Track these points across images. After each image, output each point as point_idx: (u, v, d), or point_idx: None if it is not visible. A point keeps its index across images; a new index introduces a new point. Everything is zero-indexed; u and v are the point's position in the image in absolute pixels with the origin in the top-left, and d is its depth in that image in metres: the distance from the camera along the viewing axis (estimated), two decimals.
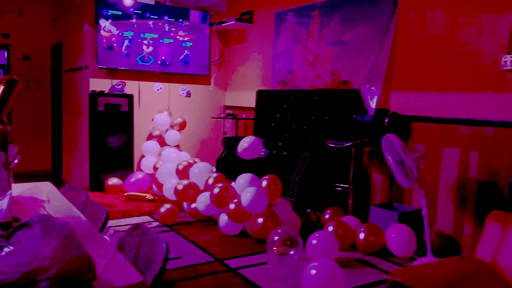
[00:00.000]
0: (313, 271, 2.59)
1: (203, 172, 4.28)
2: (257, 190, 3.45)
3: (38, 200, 2.27)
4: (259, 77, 5.90)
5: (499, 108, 3.26)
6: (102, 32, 5.43)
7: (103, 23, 5.42)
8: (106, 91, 5.47)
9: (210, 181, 4.10)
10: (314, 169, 4.08)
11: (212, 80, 6.44)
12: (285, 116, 5.12)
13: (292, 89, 5.22)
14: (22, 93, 7.32)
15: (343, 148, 4.04)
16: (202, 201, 3.96)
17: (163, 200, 4.84)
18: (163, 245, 1.82)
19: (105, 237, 1.99)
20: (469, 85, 3.47)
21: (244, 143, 4.67)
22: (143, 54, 5.74)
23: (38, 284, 1.19)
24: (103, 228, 2.22)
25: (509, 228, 2.32)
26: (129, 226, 2.11)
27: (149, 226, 4.01)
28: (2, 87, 2.21)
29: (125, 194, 4.96)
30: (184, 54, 6.08)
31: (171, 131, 5.77)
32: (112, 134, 5.45)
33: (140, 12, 5.69)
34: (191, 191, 4.14)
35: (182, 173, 4.41)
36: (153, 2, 5.86)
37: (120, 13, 5.54)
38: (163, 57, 5.92)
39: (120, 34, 5.56)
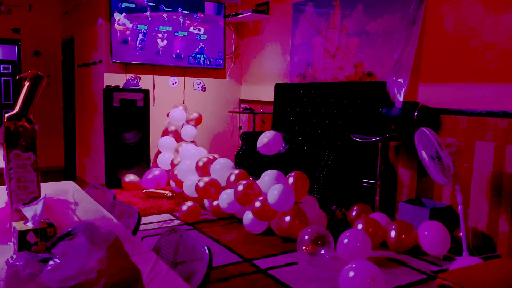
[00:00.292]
0: (351, 273, 2.48)
1: (224, 168, 4.17)
2: (284, 188, 3.33)
3: (67, 203, 2.16)
4: (276, 70, 5.76)
5: None
6: (116, 25, 5.31)
7: (117, 16, 5.30)
8: (121, 86, 5.35)
9: (232, 178, 3.99)
10: (339, 164, 3.96)
11: (227, 74, 6.31)
12: (305, 110, 4.98)
13: (312, 82, 5.08)
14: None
15: (369, 143, 3.91)
16: (225, 199, 3.86)
17: (182, 197, 4.75)
18: (205, 251, 1.71)
19: None
20: (504, 76, 3.32)
21: (264, 138, 4.56)
22: (158, 48, 5.62)
23: None
24: (135, 231, 2.12)
25: None
26: (161, 228, 2.00)
27: (171, 224, 3.91)
28: (28, 83, 2.11)
29: (144, 191, 4.86)
30: (199, 47, 5.94)
31: (187, 126, 5.66)
32: (128, 130, 5.34)
33: (154, 4, 5.56)
34: (213, 188, 4.03)
35: (203, 169, 4.30)
36: None
37: (134, 5, 5.41)
38: (178, 51, 5.79)
39: (134, 27, 5.43)
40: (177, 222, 4.00)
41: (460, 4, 3.61)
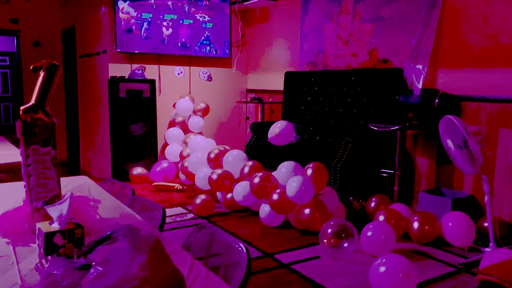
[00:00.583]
0: (382, 268, 2.37)
1: (237, 160, 4.05)
2: (303, 180, 3.22)
3: (87, 199, 2.04)
4: (285, 58, 5.62)
5: None
6: (120, 14, 5.14)
7: (121, 4, 5.13)
8: (126, 77, 5.21)
9: (246, 169, 3.87)
10: (356, 154, 3.84)
11: (234, 63, 6.16)
12: (317, 99, 4.86)
13: (324, 69, 4.95)
14: (34, 81, 7.07)
15: (387, 132, 3.80)
16: (239, 191, 3.74)
17: (192, 189, 4.63)
18: (243, 250, 1.60)
19: None
20: None
21: (276, 129, 4.44)
22: (163, 37, 5.46)
23: None
24: (161, 229, 2.00)
25: None
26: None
27: (184, 218, 3.80)
28: (42, 73, 1.97)
29: (153, 184, 4.74)
30: (205, 35, 5.79)
31: (194, 117, 5.53)
32: (134, 122, 5.20)
33: None
34: (226, 181, 3.91)
35: (214, 161, 4.18)
36: None
37: None
38: (183, 39, 5.63)
39: (138, 15, 5.27)
40: (190, 215, 3.89)
41: None
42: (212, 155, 4.21)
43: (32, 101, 1.87)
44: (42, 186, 1.79)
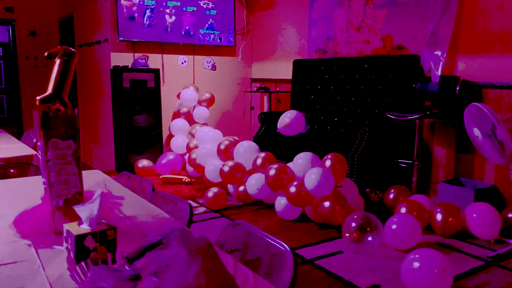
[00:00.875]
0: (416, 264, 2.26)
1: (248, 151, 3.91)
2: (323, 171, 3.09)
3: (109, 196, 1.90)
4: (291, 46, 5.46)
5: None
6: (122, 1, 4.95)
7: None
8: (130, 66, 5.03)
9: (259, 161, 3.74)
10: (373, 144, 3.72)
11: (239, 51, 5.99)
12: (327, 87, 4.72)
13: (334, 57, 4.81)
14: (31, 72, 6.88)
15: (405, 121, 3.68)
16: (253, 184, 3.61)
17: (201, 182, 4.50)
18: (287, 249, 1.47)
19: None
20: None
21: (286, 118, 4.32)
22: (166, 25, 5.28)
23: None
24: (188, 227, 1.87)
25: None
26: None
27: (196, 211, 3.67)
28: (58, 61, 1.81)
29: (160, 177, 4.60)
30: (209, 23, 5.61)
31: (199, 108, 5.37)
32: (139, 113, 5.04)
33: None
34: (238, 173, 3.78)
35: (225, 153, 4.04)
36: None
37: None
38: (187, 27, 5.46)
39: (141, 2, 5.08)
40: (202, 209, 3.76)
41: None
42: (222, 147, 4.07)
43: (49, 91, 1.73)
44: (63, 182, 1.64)
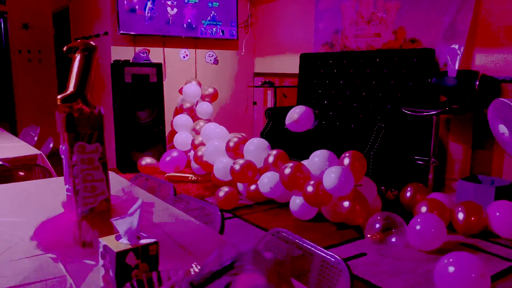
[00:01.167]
0: (451, 268, 2.16)
1: (259, 149, 3.78)
2: (343, 170, 2.98)
3: (135, 203, 1.76)
4: (297, 40, 5.32)
5: None
6: None
7: None
8: (131, 61, 4.85)
9: (271, 159, 3.62)
10: (389, 141, 3.61)
11: (243, 45, 5.84)
12: (336, 82, 4.60)
13: (342, 50, 4.68)
14: (24, 66, 6.65)
15: (421, 117, 3.57)
16: (266, 183, 3.49)
17: (209, 180, 4.36)
18: (342, 263, 1.35)
19: None
20: None
21: (294, 114, 4.19)
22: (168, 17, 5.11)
23: None
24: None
25: None
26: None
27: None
28: (79, 56, 1.66)
29: (165, 175, 4.45)
30: (211, 15, 5.44)
31: (203, 103, 5.22)
32: (141, 108, 4.87)
33: None
34: (250, 171, 3.65)
35: (234, 150, 3.91)
36: None
37: None
38: (189, 20, 5.29)
39: None
40: None
41: None
42: (231, 144, 3.93)
43: (71, 89, 1.58)
44: (89, 189, 1.50)
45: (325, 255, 1.42)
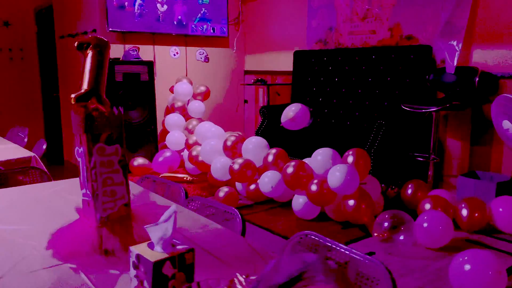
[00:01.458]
0: (467, 266, 2.14)
1: (258, 148, 3.72)
2: (349, 169, 2.94)
3: (154, 207, 1.67)
4: (289, 37, 5.27)
5: None
6: None
7: None
8: (121, 59, 4.72)
9: (270, 158, 3.56)
10: (389, 138, 3.60)
11: (234, 42, 5.75)
12: (331, 79, 4.57)
13: (337, 48, 4.65)
14: (4, 65, 6.42)
15: (419, 113, 3.57)
16: (267, 182, 3.43)
17: (204, 180, 4.28)
18: (380, 265, 1.31)
19: None
20: None
21: (290, 112, 4.15)
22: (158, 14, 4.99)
23: None
24: None
25: None
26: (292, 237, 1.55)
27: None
28: (91, 52, 1.56)
29: (160, 176, 4.34)
30: (201, 12, 5.34)
31: (194, 102, 5.12)
32: (132, 108, 4.74)
33: None
34: (249, 171, 3.59)
35: (232, 149, 3.83)
36: None
37: None
38: (179, 17, 5.18)
39: None
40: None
41: None
42: (229, 143, 3.86)
43: (84, 87, 1.48)
44: (109, 194, 1.41)
45: (362, 258, 1.37)
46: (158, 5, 5.00)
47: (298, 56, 4.89)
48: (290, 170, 3.21)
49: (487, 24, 3.50)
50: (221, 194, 3.49)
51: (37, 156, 2.91)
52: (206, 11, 5.37)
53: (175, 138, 4.85)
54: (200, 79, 5.47)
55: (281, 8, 5.32)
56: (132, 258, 1.13)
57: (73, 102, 1.44)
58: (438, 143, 3.86)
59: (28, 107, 6.64)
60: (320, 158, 3.21)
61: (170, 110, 5.17)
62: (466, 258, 2.18)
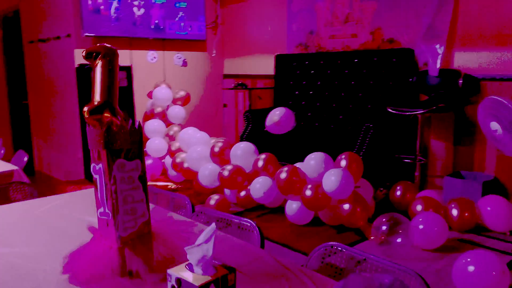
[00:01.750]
0: (471, 268, 2.17)
1: (246, 153, 3.67)
2: (344, 173, 2.94)
3: (171, 222, 1.60)
4: (269, 41, 5.25)
5: None
6: None
7: None
8: None
9: (260, 163, 3.52)
10: (376, 141, 3.63)
11: (213, 46, 5.68)
12: (313, 83, 4.58)
13: (318, 51, 4.67)
14: None
15: (404, 115, 3.62)
16: (259, 188, 3.38)
17: (189, 187, 4.19)
18: (416, 277, 1.29)
19: None
20: None
21: (274, 116, 4.13)
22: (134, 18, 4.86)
23: None
24: None
25: None
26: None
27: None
28: (100, 62, 1.48)
29: None
30: (179, 16, 5.25)
31: (174, 107, 5.00)
32: None
33: None
34: (239, 177, 3.53)
35: (219, 156, 3.77)
36: None
37: None
38: (156, 21, 5.06)
39: None
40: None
41: None
42: (216, 149, 3.79)
43: (97, 99, 1.40)
44: (130, 212, 1.34)
45: (397, 268, 1.34)
46: (135, 9, 4.87)
47: (280, 60, 4.88)
48: (283, 175, 3.18)
49: (467, 27, 3.59)
50: (212, 202, 3.43)
51: (20, 170, 2.76)
52: (183, 14, 5.28)
53: (155, 145, 4.72)
54: (179, 83, 5.37)
55: (261, 11, 5.30)
56: (172, 282, 1.07)
57: (86, 116, 1.35)
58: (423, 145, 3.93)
59: None
60: (313, 162, 3.20)
61: (149, 116, 5.04)
62: (469, 259, 2.21)
